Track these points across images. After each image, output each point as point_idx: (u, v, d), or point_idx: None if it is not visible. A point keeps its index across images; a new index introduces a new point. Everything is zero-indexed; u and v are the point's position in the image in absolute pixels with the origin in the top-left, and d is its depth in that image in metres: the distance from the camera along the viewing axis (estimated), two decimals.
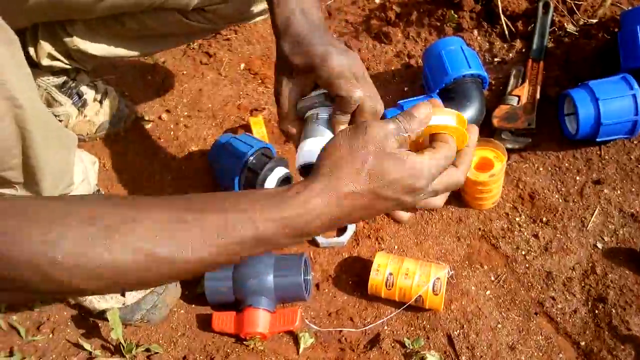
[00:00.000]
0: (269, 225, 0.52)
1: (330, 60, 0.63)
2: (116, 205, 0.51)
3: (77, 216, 0.47)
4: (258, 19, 1.10)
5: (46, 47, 1.05)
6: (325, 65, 0.63)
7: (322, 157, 0.55)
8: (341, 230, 1.07)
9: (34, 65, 1.08)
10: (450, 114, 0.59)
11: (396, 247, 1.05)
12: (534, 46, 1.25)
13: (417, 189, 0.55)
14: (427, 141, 0.59)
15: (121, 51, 1.10)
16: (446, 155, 0.56)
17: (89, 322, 0.99)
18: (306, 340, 0.94)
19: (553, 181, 1.09)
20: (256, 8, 1.05)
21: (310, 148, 0.64)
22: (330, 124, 0.66)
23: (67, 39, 1.04)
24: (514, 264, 1.00)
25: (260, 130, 1.20)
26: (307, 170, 0.65)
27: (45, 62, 1.08)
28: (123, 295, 0.94)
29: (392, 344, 0.93)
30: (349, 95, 0.62)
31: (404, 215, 0.61)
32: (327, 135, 0.65)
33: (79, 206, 0.49)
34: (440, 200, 0.60)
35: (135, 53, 1.12)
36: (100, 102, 1.24)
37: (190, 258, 0.50)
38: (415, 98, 1.15)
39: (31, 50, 1.06)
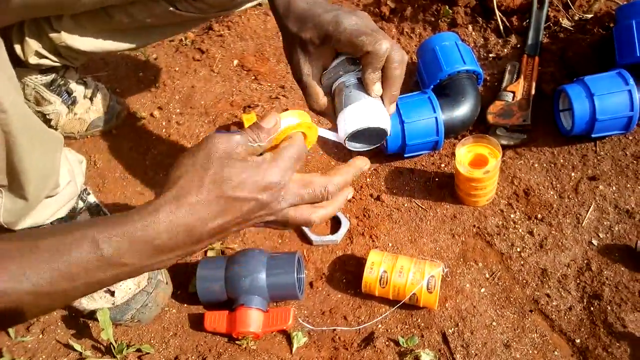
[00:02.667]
0: (113, 242, 0.49)
1: (343, 22, 0.62)
2: None
3: None
4: (248, 5, 1.08)
5: (33, 44, 1.03)
6: (340, 28, 0.61)
7: (168, 173, 0.54)
8: (335, 228, 1.07)
9: (21, 64, 1.06)
10: (293, 114, 0.61)
11: (390, 244, 1.04)
12: (529, 42, 1.24)
13: (272, 186, 0.54)
14: None
15: (110, 45, 1.08)
16: (288, 149, 0.56)
17: (79, 322, 0.98)
18: (299, 340, 0.93)
19: (548, 177, 1.08)
20: None
21: (355, 114, 0.63)
22: (362, 87, 0.65)
23: (54, 35, 1.02)
24: (508, 261, 0.99)
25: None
26: (358, 137, 0.65)
27: (33, 60, 1.06)
28: (112, 294, 0.93)
29: (386, 343, 0.92)
30: (376, 48, 0.61)
31: (312, 217, 0.59)
32: (364, 97, 0.64)
33: None
34: (315, 216, 0.59)
35: (125, 47, 1.10)
36: (91, 99, 1.23)
37: (26, 288, 0.47)
38: (409, 94, 1.14)
39: (17, 49, 1.03)
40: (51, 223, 0.90)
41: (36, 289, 0.47)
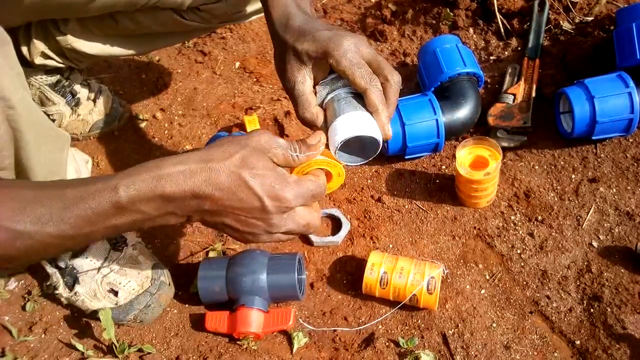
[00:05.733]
0: (130, 190, 0.54)
1: (342, 43, 0.64)
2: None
3: None
4: (253, 17, 1.09)
5: (39, 45, 1.04)
6: (339, 51, 0.63)
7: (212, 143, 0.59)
8: (336, 230, 1.07)
9: (27, 64, 1.07)
10: (328, 154, 0.65)
11: (391, 245, 1.04)
12: (530, 44, 1.25)
13: (282, 199, 0.58)
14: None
15: (115, 50, 1.09)
16: (312, 182, 0.61)
17: (81, 322, 0.99)
18: (300, 340, 0.93)
19: (548, 179, 1.09)
20: (250, 7, 1.05)
21: (348, 123, 0.63)
22: (356, 101, 0.66)
23: (60, 38, 1.03)
24: (509, 262, 0.99)
25: (254, 129, 1.20)
26: (349, 149, 0.65)
27: (39, 60, 1.07)
28: (116, 294, 0.94)
29: (387, 344, 0.92)
30: (371, 89, 0.64)
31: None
32: (361, 109, 0.65)
33: None
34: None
35: (130, 52, 1.11)
36: (94, 100, 1.23)
37: (51, 231, 0.53)
38: (410, 96, 1.14)
39: (24, 49, 1.05)
40: None
41: (60, 233, 0.54)
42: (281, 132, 1.24)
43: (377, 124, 0.65)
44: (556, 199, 1.06)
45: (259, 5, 1.04)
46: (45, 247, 0.56)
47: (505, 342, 0.91)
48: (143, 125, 1.30)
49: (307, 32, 0.66)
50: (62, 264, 0.94)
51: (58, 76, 1.15)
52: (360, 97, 0.67)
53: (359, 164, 0.67)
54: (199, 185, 0.55)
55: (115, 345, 0.93)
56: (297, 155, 0.60)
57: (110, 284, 0.94)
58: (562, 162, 1.10)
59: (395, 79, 0.66)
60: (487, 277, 0.99)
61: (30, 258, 0.59)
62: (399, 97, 1.17)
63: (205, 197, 0.56)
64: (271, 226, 0.60)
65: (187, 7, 0.99)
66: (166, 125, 1.29)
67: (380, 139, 0.64)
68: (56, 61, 1.09)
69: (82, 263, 0.94)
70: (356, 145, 0.65)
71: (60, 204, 0.54)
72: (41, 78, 1.13)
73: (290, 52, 0.66)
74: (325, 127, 0.66)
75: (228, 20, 1.08)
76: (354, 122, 0.63)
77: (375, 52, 0.67)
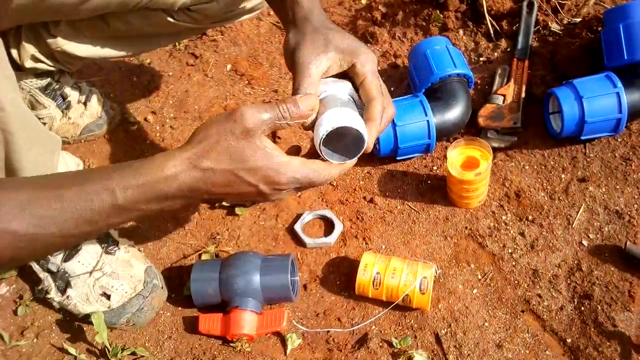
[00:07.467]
0: (128, 193, 0.57)
1: (369, 53, 0.68)
2: None
3: None
4: (244, 17, 1.09)
5: (29, 49, 1.04)
6: (367, 57, 0.67)
7: (194, 133, 0.60)
8: (328, 231, 1.07)
9: (17, 68, 1.06)
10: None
11: (383, 246, 1.05)
12: (519, 45, 1.26)
13: (277, 184, 0.60)
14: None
15: (106, 52, 1.08)
16: (315, 172, 0.61)
17: (74, 326, 0.98)
18: (293, 341, 0.93)
19: (539, 179, 1.10)
20: (242, 7, 1.05)
21: (335, 116, 0.63)
22: (352, 105, 0.68)
23: (50, 41, 1.03)
24: (500, 262, 1.00)
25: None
26: (334, 145, 0.65)
27: (29, 64, 1.06)
28: (108, 298, 0.93)
29: (380, 344, 0.92)
30: (378, 100, 0.67)
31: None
32: (353, 107, 0.67)
33: None
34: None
35: (121, 54, 1.11)
36: (85, 104, 1.23)
37: (55, 232, 0.55)
38: (401, 98, 1.15)
39: (14, 53, 1.04)
40: None
41: (63, 232, 0.56)
42: (273, 135, 1.24)
43: (367, 132, 0.65)
44: (546, 198, 1.07)
45: (250, 4, 1.04)
46: (47, 247, 0.58)
47: (497, 341, 0.91)
48: (134, 128, 1.30)
49: (339, 30, 0.69)
50: (53, 268, 0.93)
51: (48, 79, 1.14)
52: (355, 105, 0.68)
53: (341, 163, 0.66)
54: (195, 183, 0.58)
55: (108, 349, 0.93)
56: (286, 123, 0.61)
57: (103, 288, 0.94)
58: (552, 162, 1.11)
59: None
60: (479, 276, 0.99)
61: (33, 257, 0.61)
62: (391, 99, 1.18)
63: (203, 191, 0.59)
64: (268, 199, 0.63)
65: (178, 8, 0.99)
66: (158, 128, 1.29)
67: (366, 138, 0.64)
68: (47, 64, 1.08)
69: (74, 267, 0.94)
70: (341, 141, 0.65)
71: (58, 204, 0.55)
72: (31, 81, 1.12)
73: (320, 37, 0.68)
74: (315, 120, 0.66)
75: (219, 20, 1.08)
76: (343, 115, 0.63)
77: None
